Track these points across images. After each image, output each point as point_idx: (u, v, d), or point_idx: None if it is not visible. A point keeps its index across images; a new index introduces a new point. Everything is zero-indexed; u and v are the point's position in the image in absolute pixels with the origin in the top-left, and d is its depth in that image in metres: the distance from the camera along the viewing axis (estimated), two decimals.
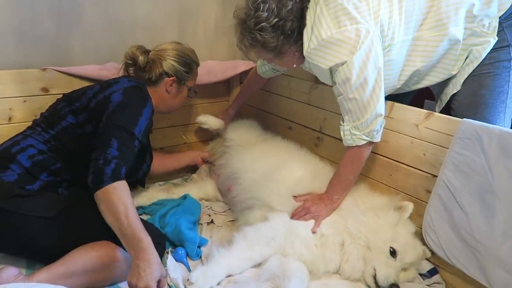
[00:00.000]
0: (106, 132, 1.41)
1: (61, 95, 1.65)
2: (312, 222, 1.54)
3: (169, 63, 1.69)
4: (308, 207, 1.57)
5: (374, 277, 1.45)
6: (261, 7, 1.41)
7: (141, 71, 1.71)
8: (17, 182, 1.35)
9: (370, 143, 1.50)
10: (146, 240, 1.24)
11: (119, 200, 1.26)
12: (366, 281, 1.48)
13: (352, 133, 1.48)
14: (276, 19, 1.41)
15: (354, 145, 1.49)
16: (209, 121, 2.14)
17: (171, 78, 1.70)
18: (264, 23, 1.41)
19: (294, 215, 1.58)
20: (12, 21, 1.69)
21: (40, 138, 1.49)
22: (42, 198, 1.35)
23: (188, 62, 1.74)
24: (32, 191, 1.34)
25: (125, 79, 1.63)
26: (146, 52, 1.71)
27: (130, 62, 1.71)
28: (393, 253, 1.45)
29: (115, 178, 1.29)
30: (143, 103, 1.55)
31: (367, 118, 1.44)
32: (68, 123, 1.51)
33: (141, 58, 1.68)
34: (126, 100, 1.51)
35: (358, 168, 1.55)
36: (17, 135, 1.52)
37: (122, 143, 1.39)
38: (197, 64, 1.80)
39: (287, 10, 1.41)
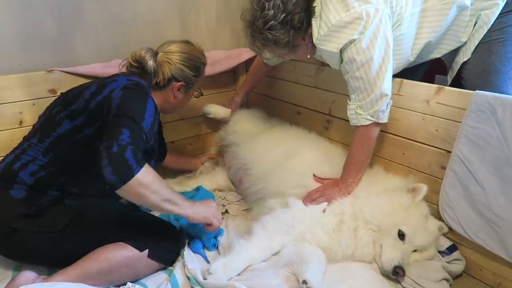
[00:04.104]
0: (115, 122, 1.30)
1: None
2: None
3: (178, 67, 1.56)
4: (321, 190, 1.57)
5: None
6: (266, 6, 1.38)
7: (148, 75, 1.55)
8: (27, 199, 1.33)
9: (377, 123, 1.48)
10: (191, 203, 1.39)
11: (153, 193, 1.24)
12: (378, 264, 1.47)
13: (357, 113, 1.47)
14: (284, 15, 1.39)
15: (359, 124, 1.48)
16: (214, 110, 2.13)
17: (179, 83, 1.59)
18: (272, 21, 1.39)
19: (307, 198, 1.57)
20: (15, 26, 1.70)
21: (38, 150, 1.42)
22: (50, 213, 1.35)
23: (197, 65, 1.62)
24: (40, 209, 1.33)
25: (124, 78, 1.50)
26: (155, 55, 1.57)
27: (135, 64, 1.56)
28: (401, 235, 1.44)
29: (139, 162, 1.21)
30: (145, 98, 1.43)
31: (372, 98, 1.42)
32: (64, 129, 1.42)
33: (150, 63, 1.53)
34: (128, 94, 1.40)
35: (369, 149, 1.54)
36: (17, 147, 1.47)
37: (133, 132, 1.28)
38: (205, 64, 1.68)
39: (293, 3, 1.39)
